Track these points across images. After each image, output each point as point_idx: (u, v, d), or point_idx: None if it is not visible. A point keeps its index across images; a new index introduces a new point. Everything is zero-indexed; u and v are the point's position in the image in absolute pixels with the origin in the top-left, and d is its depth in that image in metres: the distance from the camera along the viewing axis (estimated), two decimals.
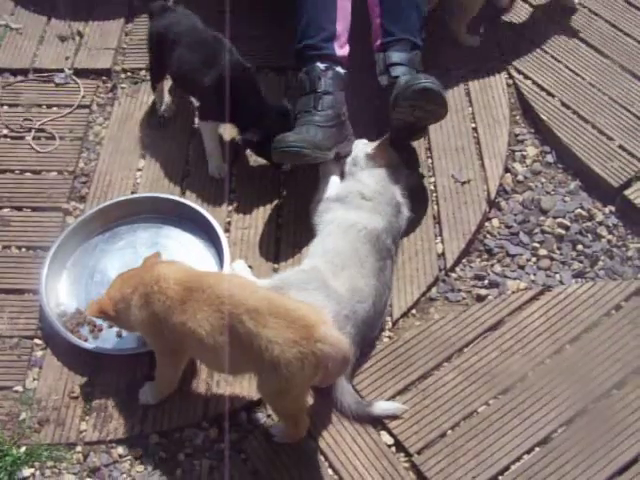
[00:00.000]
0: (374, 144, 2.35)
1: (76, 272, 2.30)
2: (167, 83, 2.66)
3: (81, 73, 2.82)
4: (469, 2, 2.75)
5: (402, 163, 2.35)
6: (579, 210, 2.44)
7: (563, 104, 2.65)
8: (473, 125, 2.61)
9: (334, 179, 2.36)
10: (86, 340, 2.13)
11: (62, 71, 2.82)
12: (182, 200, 2.39)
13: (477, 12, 2.77)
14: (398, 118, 2.29)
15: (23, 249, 2.35)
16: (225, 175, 2.46)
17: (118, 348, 2.11)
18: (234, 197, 2.46)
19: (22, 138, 2.64)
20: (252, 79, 2.41)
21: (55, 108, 2.73)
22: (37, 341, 2.16)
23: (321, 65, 2.34)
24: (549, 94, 2.68)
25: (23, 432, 1.99)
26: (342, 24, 2.39)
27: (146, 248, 2.29)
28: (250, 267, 2.25)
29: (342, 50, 2.39)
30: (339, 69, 2.37)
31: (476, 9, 2.76)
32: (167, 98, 2.68)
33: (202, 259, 2.29)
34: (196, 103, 2.63)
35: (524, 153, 2.58)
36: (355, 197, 2.26)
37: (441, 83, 2.23)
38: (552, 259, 2.34)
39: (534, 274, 2.30)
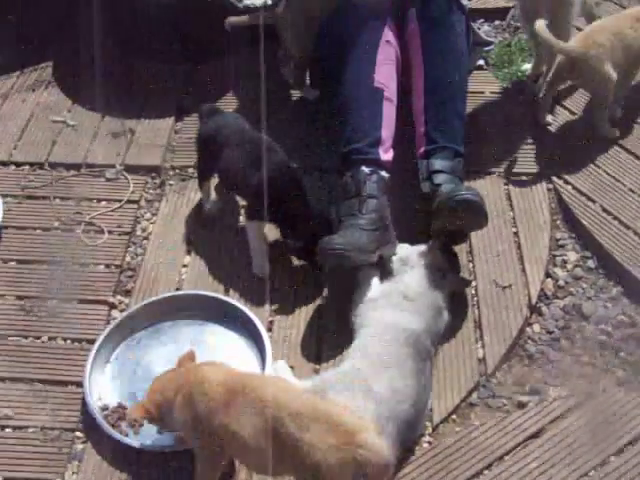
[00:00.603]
0: (424, 246, 2.38)
1: (119, 366, 2.32)
2: (214, 181, 2.74)
3: (131, 169, 2.92)
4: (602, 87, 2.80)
5: (448, 267, 2.38)
6: (621, 317, 2.43)
7: (604, 209, 2.67)
8: (514, 229, 2.64)
9: (375, 280, 2.39)
10: (127, 435, 2.13)
11: (113, 167, 2.92)
12: (226, 298, 2.43)
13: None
14: (439, 226, 2.34)
15: (69, 341, 2.39)
16: (268, 274, 2.51)
17: (159, 445, 2.11)
18: (277, 296, 2.48)
19: (72, 231, 2.72)
20: (297, 180, 2.48)
21: (105, 202, 2.82)
22: (78, 434, 2.17)
23: (366, 169, 2.41)
24: (589, 199, 2.71)
25: None
26: (387, 130, 2.47)
27: (189, 345, 2.30)
28: (291, 367, 2.26)
29: (387, 155, 2.46)
30: (383, 173, 2.43)
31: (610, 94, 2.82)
32: (213, 196, 2.75)
33: (245, 358, 2.30)
34: (243, 202, 2.69)
35: (565, 258, 2.59)
36: (397, 297, 2.28)
37: (482, 187, 2.28)
38: (594, 366, 2.32)
39: (576, 381, 2.28)
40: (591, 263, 2.58)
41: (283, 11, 2.87)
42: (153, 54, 3.35)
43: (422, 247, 2.39)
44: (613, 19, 2.95)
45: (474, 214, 2.30)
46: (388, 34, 2.57)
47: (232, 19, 2.91)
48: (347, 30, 2.60)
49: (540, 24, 2.66)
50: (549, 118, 2.96)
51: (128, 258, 2.63)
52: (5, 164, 2.97)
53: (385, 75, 2.51)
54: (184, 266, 2.59)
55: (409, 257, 2.38)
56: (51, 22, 3.61)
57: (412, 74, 2.56)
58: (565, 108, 3.06)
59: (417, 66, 2.53)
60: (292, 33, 2.89)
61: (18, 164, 2.97)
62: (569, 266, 2.57)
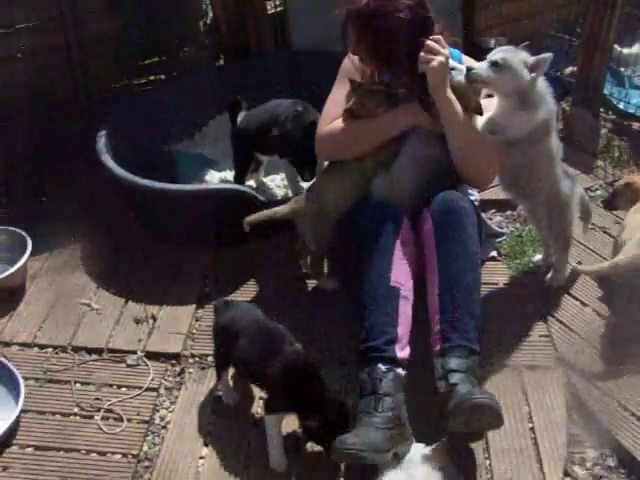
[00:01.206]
0: (431, 447, 2.38)
1: None
2: (231, 371, 2.77)
3: (152, 356, 2.97)
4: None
5: (457, 471, 2.38)
6: None
7: (621, 405, 2.67)
8: (530, 425, 2.62)
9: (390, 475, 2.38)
10: None
11: (134, 353, 2.98)
12: None
13: None
14: (455, 426, 2.37)
15: None
16: (285, 469, 2.50)
17: None
18: None
19: (91, 417, 2.74)
20: (315, 369, 2.51)
21: (124, 389, 2.85)
22: None
23: (382, 367, 2.45)
24: (605, 394, 2.71)
25: None
26: (403, 328, 2.53)
27: None
28: None
29: (403, 352, 2.51)
30: (400, 370, 2.47)
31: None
32: (231, 386, 2.78)
33: None
34: (260, 394, 2.72)
35: (584, 455, 2.55)
36: None
37: (497, 380, 2.31)
38: None
39: None
40: (611, 461, 2.55)
41: (299, 206, 3.01)
42: (177, 239, 3.50)
43: (431, 447, 2.39)
44: None
45: (489, 418, 2.34)
46: (404, 233, 2.68)
47: (250, 219, 3.02)
48: (365, 228, 2.71)
49: None
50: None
51: (145, 447, 2.64)
52: (29, 346, 3.04)
53: (401, 274, 2.60)
54: (201, 457, 2.58)
55: (414, 457, 2.38)
56: (83, 204, 3.81)
57: (427, 273, 2.65)
58: (576, 299, 3.13)
59: (432, 267, 2.62)
60: (308, 227, 3.01)
61: (41, 346, 3.03)
62: (588, 464, 2.54)
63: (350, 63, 2.97)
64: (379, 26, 2.69)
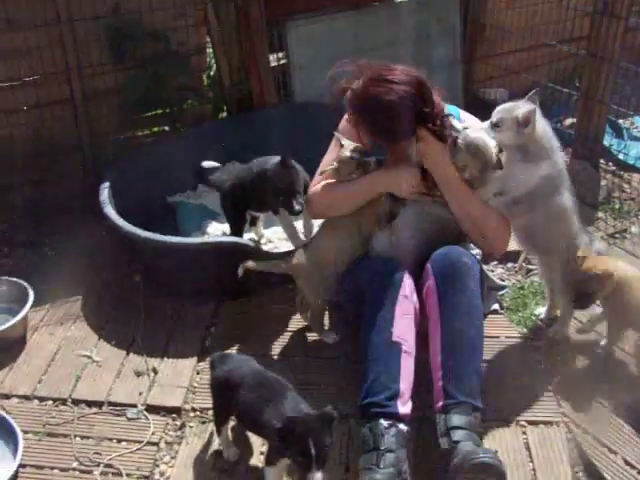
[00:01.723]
0: None
1: None
2: (232, 423, 2.74)
3: (152, 409, 2.94)
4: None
5: None
6: None
7: (627, 463, 2.65)
8: None
9: None
10: None
11: (135, 406, 2.95)
12: None
13: None
14: None
15: None
16: None
17: None
18: None
19: (90, 472, 2.70)
20: (317, 420, 2.47)
21: (124, 443, 2.82)
22: None
23: (384, 422, 2.44)
24: (611, 451, 2.69)
25: None
26: (405, 383, 2.52)
27: None
28: None
29: (405, 407, 2.49)
30: (402, 426, 2.45)
31: None
32: (231, 442, 2.75)
33: None
34: (261, 449, 2.70)
35: None
36: None
37: (500, 436, 2.28)
38: None
39: None
40: None
41: (298, 261, 3.03)
42: (179, 292, 3.50)
43: None
44: None
45: (493, 476, 2.31)
46: (406, 288, 2.69)
47: (247, 265, 3.04)
48: (367, 283, 2.72)
49: None
50: None
51: None
52: (28, 398, 3.02)
53: (403, 329, 2.60)
54: None
55: None
56: (84, 255, 3.82)
57: (429, 328, 2.65)
58: (580, 352, 3.11)
59: (434, 323, 2.62)
60: (306, 283, 3.04)
61: (41, 399, 3.01)
62: None
63: (348, 124, 3.02)
64: (377, 110, 2.72)
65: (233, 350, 3.15)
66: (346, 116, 3.01)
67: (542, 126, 2.82)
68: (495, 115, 2.80)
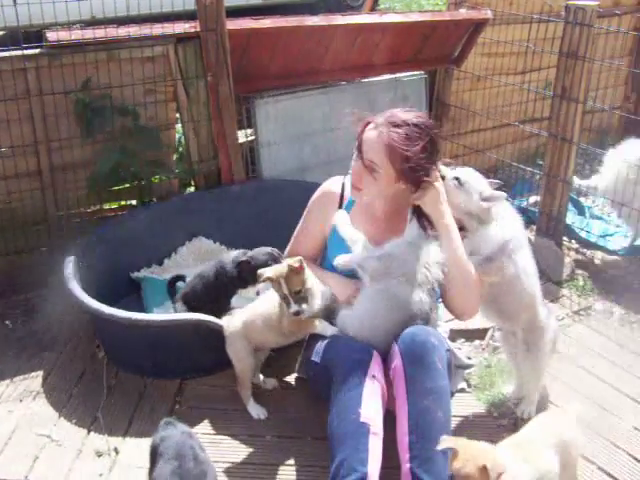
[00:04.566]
0: None
1: None
2: None
3: None
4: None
5: None
6: None
7: None
8: None
9: None
10: None
11: None
12: None
13: None
14: None
15: None
16: None
17: None
18: None
19: None
20: None
21: None
22: None
23: None
24: None
25: None
26: (373, 465, 2.47)
27: None
28: None
29: None
30: None
31: None
32: None
33: None
34: None
35: None
36: None
37: None
38: None
39: None
40: None
41: (232, 331, 3.15)
42: (143, 368, 3.43)
43: None
44: None
45: None
46: (374, 368, 2.66)
47: None
48: (334, 362, 2.70)
49: None
50: None
51: None
52: None
53: (371, 409, 2.56)
54: None
55: None
56: (47, 329, 3.75)
57: (397, 409, 2.62)
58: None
59: (401, 405, 2.59)
60: (235, 353, 3.15)
61: None
62: None
63: (322, 197, 3.05)
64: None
65: (198, 428, 3.09)
66: (318, 191, 3.08)
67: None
68: (461, 173, 2.87)
